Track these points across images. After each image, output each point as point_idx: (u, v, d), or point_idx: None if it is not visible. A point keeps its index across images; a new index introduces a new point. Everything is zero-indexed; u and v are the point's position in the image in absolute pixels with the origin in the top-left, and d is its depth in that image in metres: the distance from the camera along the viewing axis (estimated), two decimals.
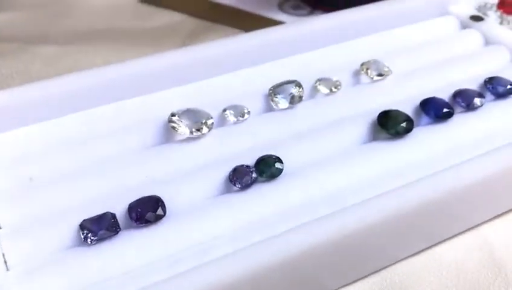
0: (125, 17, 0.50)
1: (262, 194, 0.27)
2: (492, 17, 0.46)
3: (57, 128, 0.30)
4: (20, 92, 0.30)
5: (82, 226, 0.24)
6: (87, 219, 0.25)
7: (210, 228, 0.25)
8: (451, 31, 0.40)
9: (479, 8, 0.47)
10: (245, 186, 0.27)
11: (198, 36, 0.47)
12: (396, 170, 0.29)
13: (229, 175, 0.27)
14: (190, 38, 0.46)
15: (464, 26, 0.40)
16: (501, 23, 0.46)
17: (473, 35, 0.39)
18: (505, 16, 0.47)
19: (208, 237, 0.25)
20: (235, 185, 0.27)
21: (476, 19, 0.40)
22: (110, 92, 0.32)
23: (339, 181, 0.28)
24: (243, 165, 0.27)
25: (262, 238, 0.24)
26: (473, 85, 0.34)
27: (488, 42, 0.39)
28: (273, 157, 0.28)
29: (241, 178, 0.27)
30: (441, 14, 0.41)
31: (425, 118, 0.31)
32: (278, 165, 0.27)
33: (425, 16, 0.41)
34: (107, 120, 0.31)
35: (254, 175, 0.27)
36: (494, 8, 0.48)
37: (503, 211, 0.31)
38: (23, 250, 0.24)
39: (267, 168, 0.27)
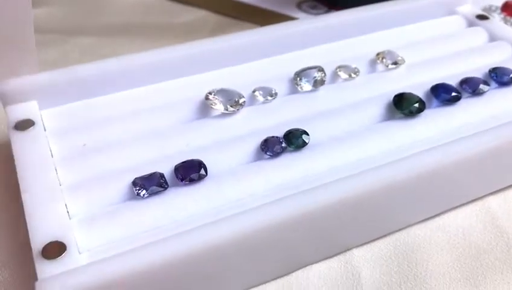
0: (154, 13, 0.53)
1: (290, 161, 0.30)
2: (497, 18, 0.50)
3: (108, 104, 0.33)
4: (77, 70, 0.34)
5: (135, 183, 0.28)
6: (138, 177, 0.28)
7: (245, 187, 0.29)
8: (459, 29, 0.44)
9: (484, 10, 0.50)
10: (275, 155, 0.30)
11: (223, 31, 0.50)
12: (409, 145, 0.32)
13: (261, 144, 0.31)
14: (215, 32, 0.50)
15: (471, 25, 0.44)
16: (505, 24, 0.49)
17: (479, 32, 0.42)
18: (508, 17, 0.51)
19: (243, 194, 0.28)
20: (266, 153, 0.30)
21: (482, 17, 0.44)
22: (154, 74, 0.35)
23: (358, 153, 0.31)
24: (273, 137, 0.31)
25: (291, 198, 0.28)
26: (479, 74, 0.37)
27: (492, 39, 0.42)
28: (300, 130, 0.31)
29: (271, 147, 0.30)
30: (449, 14, 0.45)
31: (435, 102, 0.35)
32: (304, 137, 0.31)
33: (435, 15, 0.44)
34: (152, 98, 0.34)
35: (283, 145, 0.30)
36: (498, 10, 0.52)
37: (504, 185, 0.34)
38: (83, 202, 0.28)
39: (294, 139, 0.31)
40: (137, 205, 0.27)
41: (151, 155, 0.30)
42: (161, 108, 0.33)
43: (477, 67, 0.38)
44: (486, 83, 0.36)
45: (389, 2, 0.44)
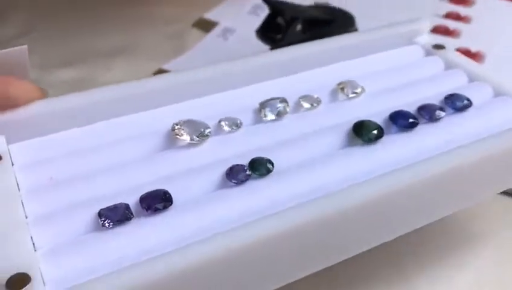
0: None
1: (255, 188, 0.31)
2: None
3: (75, 138, 0.34)
4: (43, 105, 0.34)
5: (100, 214, 0.28)
6: (104, 208, 0.29)
7: (209, 215, 0.29)
8: (417, 58, 0.46)
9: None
10: (240, 182, 0.31)
11: None
12: (368, 169, 0.33)
13: (226, 172, 0.32)
14: None
15: (428, 54, 0.46)
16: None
17: (435, 61, 0.44)
18: None
19: (207, 221, 0.29)
20: (231, 180, 0.31)
21: (438, 47, 0.46)
22: (120, 107, 0.36)
23: (320, 178, 0.32)
24: (238, 165, 0.32)
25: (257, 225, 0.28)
26: (435, 101, 0.39)
27: (448, 67, 0.44)
28: (265, 158, 0.32)
29: (236, 175, 0.31)
30: (408, 44, 0.47)
31: (394, 128, 0.36)
32: (268, 165, 0.32)
33: (394, 46, 0.46)
34: (118, 131, 0.35)
35: (248, 172, 0.31)
36: None
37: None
38: (49, 234, 0.28)
39: (259, 166, 0.32)
40: (103, 235, 0.28)
41: (117, 186, 0.31)
42: (127, 140, 0.34)
43: (433, 95, 0.40)
44: (442, 109, 0.37)
45: (352, 34, 0.46)
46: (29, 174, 0.31)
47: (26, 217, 0.29)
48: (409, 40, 0.47)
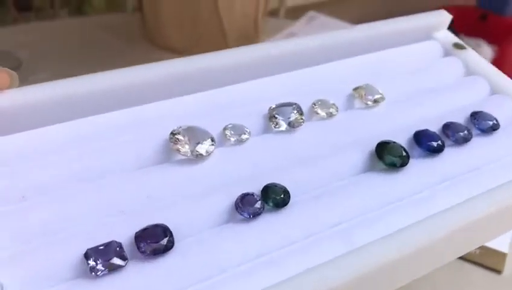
0: None
1: (269, 223, 0.27)
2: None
3: (45, 140, 0.28)
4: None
5: (87, 255, 0.23)
6: (92, 248, 0.23)
7: (216, 260, 0.25)
8: (435, 57, 0.41)
9: None
10: (253, 216, 0.27)
11: None
12: (389, 200, 0.30)
13: (236, 203, 0.27)
14: None
15: (447, 53, 0.41)
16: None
17: (456, 64, 0.40)
18: None
19: (214, 270, 0.24)
20: (242, 214, 0.27)
21: (459, 47, 0.42)
22: (102, 102, 0.30)
23: (340, 212, 0.28)
24: (248, 194, 0.27)
25: (271, 273, 0.24)
26: (460, 116, 0.35)
27: (469, 72, 0.40)
28: (279, 186, 0.28)
29: (248, 207, 0.26)
30: (426, 40, 0.42)
31: (417, 150, 0.32)
32: (284, 196, 0.27)
33: (411, 41, 0.41)
34: (102, 134, 0.29)
35: (261, 204, 0.27)
36: None
37: None
38: (19, 279, 0.23)
39: (274, 196, 0.27)
40: (91, 285, 0.23)
41: (103, 210, 0.26)
42: (113, 148, 0.28)
43: (457, 108, 0.36)
44: (469, 131, 0.34)
45: (362, 26, 0.40)
46: None
47: None
48: (427, 35, 0.42)
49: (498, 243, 0.44)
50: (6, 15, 0.88)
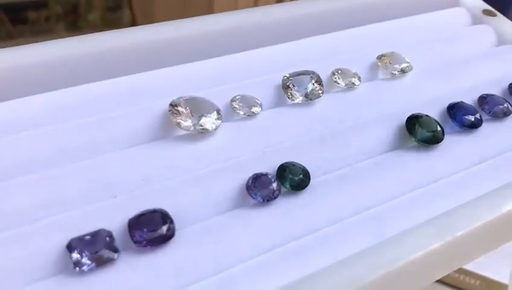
0: None
1: (287, 209, 0.23)
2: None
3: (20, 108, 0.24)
4: None
5: (70, 247, 0.19)
6: (76, 238, 0.20)
7: (225, 253, 0.21)
8: (463, 24, 0.37)
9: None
10: (267, 200, 0.23)
11: None
12: (422, 182, 0.26)
13: (248, 185, 0.23)
14: None
15: (476, 21, 0.37)
16: None
17: (487, 32, 0.36)
18: None
19: (222, 264, 0.21)
20: (254, 197, 0.23)
21: (489, 13, 0.37)
22: (92, 69, 0.26)
23: (370, 199, 0.24)
24: (263, 174, 0.23)
25: (289, 267, 0.20)
26: (496, 87, 0.31)
27: (500, 40, 0.36)
28: (298, 165, 0.24)
29: (262, 190, 0.22)
30: (452, 6, 0.38)
31: (452, 124, 0.28)
32: (303, 177, 0.23)
33: (436, 7, 0.37)
34: (89, 104, 0.25)
35: (277, 185, 0.23)
36: None
37: None
38: None
39: (292, 177, 0.23)
40: (75, 283, 0.19)
41: (89, 195, 0.22)
42: (104, 122, 0.24)
43: (492, 79, 0.32)
44: (509, 103, 0.30)
45: None
46: None
47: None
48: (454, 2, 0.38)
49: (498, 274, 0.41)
50: (1, 29, 0.84)
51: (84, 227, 0.20)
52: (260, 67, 0.29)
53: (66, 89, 0.25)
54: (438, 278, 0.24)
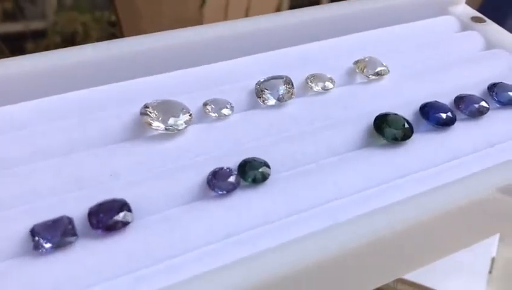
0: None
1: (244, 202, 0.24)
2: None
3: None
4: None
5: (33, 232, 0.21)
6: (39, 224, 0.21)
7: (180, 239, 0.22)
8: (451, 31, 0.37)
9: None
10: (225, 192, 0.24)
11: None
12: (388, 178, 0.26)
13: (208, 178, 0.24)
14: None
15: (465, 28, 0.38)
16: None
17: (474, 37, 0.36)
18: None
19: (176, 250, 0.22)
20: (213, 190, 0.24)
21: (478, 20, 0.38)
22: (72, 78, 0.28)
23: (329, 194, 0.25)
24: (223, 168, 0.24)
25: (243, 255, 0.21)
26: (476, 91, 0.31)
27: (489, 46, 0.36)
28: (259, 160, 0.25)
29: (221, 182, 0.24)
30: (441, 14, 0.38)
31: (425, 124, 0.29)
32: (264, 168, 0.24)
33: (424, 15, 0.38)
34: (65, 109, 0.27)
35: (236, 179, 0.24)
36: None
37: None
38: None
39: (252, 171, 0.24)
40: (34, 263, 0.20)
41: (59, 189, 0.23)
42: (81, 125, 0.26)
43: (473, 82, 0.32)
44: (485, 102, 0.30)
45: None
46: None
47: None
48: (443, 10, 0.38)
49: None
50: None
51: (50, 215, 0.22)
52: (236, 77, 0.30)
53: (45, 98, 0.27)
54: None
